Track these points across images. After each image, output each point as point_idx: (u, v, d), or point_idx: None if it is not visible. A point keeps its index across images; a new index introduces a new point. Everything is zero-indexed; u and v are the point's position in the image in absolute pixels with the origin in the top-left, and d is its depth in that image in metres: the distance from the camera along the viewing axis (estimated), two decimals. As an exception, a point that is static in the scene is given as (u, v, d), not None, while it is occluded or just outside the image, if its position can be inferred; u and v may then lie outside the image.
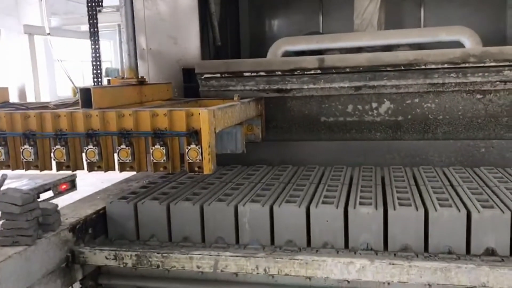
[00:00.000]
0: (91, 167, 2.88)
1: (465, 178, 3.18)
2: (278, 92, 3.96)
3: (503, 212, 2.50)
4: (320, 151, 3.99)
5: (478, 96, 3.73)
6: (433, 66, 3.65)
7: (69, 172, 2.91)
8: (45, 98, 16.40)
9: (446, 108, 3.80)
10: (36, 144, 2.89)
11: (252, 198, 2.87)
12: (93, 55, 3.79)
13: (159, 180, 3.47)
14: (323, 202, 2.75)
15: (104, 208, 2.97)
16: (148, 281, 2.82)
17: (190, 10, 4.18)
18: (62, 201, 3.22)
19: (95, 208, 2.98)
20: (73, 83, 4.01)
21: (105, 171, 2.87)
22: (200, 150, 2.60)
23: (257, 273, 2.52)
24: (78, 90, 2.96)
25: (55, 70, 18.31)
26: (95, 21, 3.87)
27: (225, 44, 5.09)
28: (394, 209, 2.60)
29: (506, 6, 5.37)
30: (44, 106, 3.32)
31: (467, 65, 3.60)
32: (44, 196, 4.01)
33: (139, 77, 3.50)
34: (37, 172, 2.95)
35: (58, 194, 3.61)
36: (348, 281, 2.51)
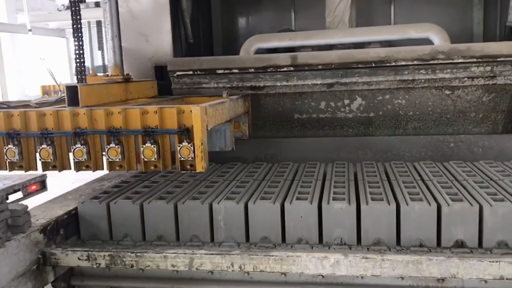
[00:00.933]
0: (79, 167, 2.81)
1: (435, 173, 3.25)
2: (251, 89, 3.97)
3: (471, 205, 2.56)
4: (293, 147, 4.02)
5: (447, 92, 3.81)
6: (403, 63, 3.72)
7: (38, 172, 2.85)
8: (13, 97, 15.98)
9: (416, 104, 3.88)
10: (21, 144, 2.80)
11: (227, 196, 2.87)
12: (77, 52, 3.68)
13: (132, 179, 3.44)
14: (298, 198, 2.77)
15: (75, 208, 2.92)
16: (122, 281, 2.78)
17: (162, 7, 4.15)
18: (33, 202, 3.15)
19: (67, 209, 2.93)
20: (55, 81, 3.91)
21: (93, 171, 2.81)
22: (192, 147, 2.56)
23: (233, 271, 2.53)
24: (64, 88, 2.88)
25: (23, 68, 17.86)
26: (78, 17, 3.76)
27: (197, 42, 5.06)
28: (367, 204, 2.64)
29: (472, 4, 5.50)
30: (26, 104, 3.23)
31: (436, 61, 3.68)
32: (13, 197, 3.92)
33: (125, 74, 3.43)
34: (6, 173, 2.87)
35: (27, 195, 3.53)
36: (323, 276, 2.54)
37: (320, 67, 3.85)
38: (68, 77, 17.45)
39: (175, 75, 4.04)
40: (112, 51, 3.33)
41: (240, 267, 2.51)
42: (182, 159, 2.61)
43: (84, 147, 2.72)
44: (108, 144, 2.70)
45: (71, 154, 2.78)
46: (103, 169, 2.81)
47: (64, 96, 3.67)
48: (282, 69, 3.91)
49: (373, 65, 3.76)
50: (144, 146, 2.65)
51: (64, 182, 4.19)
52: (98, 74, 13.94)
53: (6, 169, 2.88)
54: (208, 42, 5.66)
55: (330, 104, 3.99)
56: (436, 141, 3.88)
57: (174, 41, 4.30)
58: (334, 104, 3.99)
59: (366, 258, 2.40)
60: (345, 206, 2.64)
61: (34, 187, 2.83)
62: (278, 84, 3.94)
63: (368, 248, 2.60)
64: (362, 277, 2.50)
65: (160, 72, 4.22)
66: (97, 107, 2.78)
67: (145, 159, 2.67)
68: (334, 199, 2.73)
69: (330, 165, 3.58)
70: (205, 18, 5.62)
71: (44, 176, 2.88)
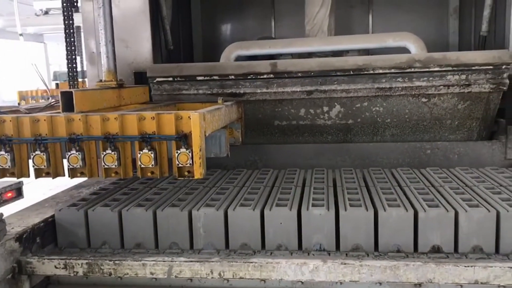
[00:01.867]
0: (74, 173, 2.76)
1: (412, 179, 3.30)
2: (232, 96, 3.98)
3: (447, 211, 2.61)
4: (274, 154, 4.04)
5: (424, 99, 3.88)
6: (380, 71, 3.78)
7: (13, 179, 2.80)
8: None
9: (393, 112, 3.94)
10: (13, 150, 2.72)
11: (207, 203, 2.86)
12: (69, 57, 3.63)
13: (110, 186, 3.41)
14: (277, 205, 2.78)
15: (53, 216, 2.89)
16: (100, 289, 2.75)
17: (142, 13, 4.14)
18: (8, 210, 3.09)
19: (43, 216, 2.89)
20: (46, 86, 3.84)
21: (88, 177, 2.76)
22: (190, 154, 2.53)
23: (212, 278, 2.52)
24: (59, 93, 2.81)
25: (-2, 73, 17.56)
26: (70, 21, 3.72)
27: (177, 48, 5.06)
28: (345, 210, 2.67)
29: (448, 14, 5.62)
30: (15, 110, 3.17)
31: (412, 70, 3.75)
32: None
33: (118, 79, 3.39)
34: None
35: (3, 202, 3.47)
36: (302, 282, 2.55)
37: (299, 74, 3.89)
38: (47, 82, 17.18)
39: (154, 81, 4.02)
40: (106, 56, 3.27)
41: (219, 274, 2.50)
42: (180, 165, 2.58)
43: (79, 154, 2.66)
44: (104, 150, 2.65)
45: (65, 161, 2.72)
46: (97, 176, 2.76)
47: (53, 101, 3.63)
48: (262, 76, 3.93)
49: (352, 73, 3.82)
50: (141, 152, 2.61)
51: (41, 189, 4.13)
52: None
53: None
54: (188, 49, 5.66)
55: (309, 111, 4.03)
56: (413, 148, 3.95)
57: (154, 47, 4.29)
58: (313, 111, 4.02)
59: (345, 264, 2.43)
60: (324, 212, 2.67)
61: (9, 194, 2.78)
62: (258, 91, 3.96)
63: (346, 254, 2.62)
64: (341, 283, 2.52)
65: (140, 78, 4.20)
66: (93, 113, 2.73)
67: (142, 166, 2.63)
68: (313, 205, 2.75)
69: (310, 172, 3.61)
70: (186, 25, 5.63)
71: (20, 183, 2.84)
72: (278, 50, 4.61)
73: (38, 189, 5.68)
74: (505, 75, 3.72)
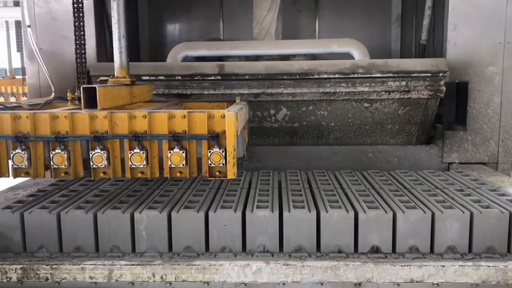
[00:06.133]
0: (97, 173, 2.62)
1: (354, 181, 3.39)
2: (178, 97, 3.94)
3: (386, 212, 2.70)
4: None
5: (366, 104, 4.01)
6: (325, 76, 3.87)
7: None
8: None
9: (337, 116, 4.04)
10: (29, 148, 2.55)
11: (150, 205, 2.82)
12: (78, 51, 3.43)
13: (49, 188, 3.28)
14: (222, 207, 2.78)
15: (-15, 219, 2.74)
16: (36, 295, 2.64)
17: (85, 11, 4.02)
18: None
19: (-25, 220, 2.74)
20: (50, 79, 3.66)
21: (112, 177, 2.62)
22: (224, 153, 2.47)
23: (154, 281, 2.48)
24: (80, 89, 2.66)
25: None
26: (80, 14, 3.52)
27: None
28: (289, 211, 2.70)
29: (391, 22, 5.84)
30: (19, 106, 3.00)
31: (355, 75, 3.87)
32: None
33: (131, 76, 3.24)
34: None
35: None
36: (245, 284, 2.55)
37: (247, 77, 3.91)
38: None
39: (98, 80, 3.90)
40: (119, 52, 3.10)
41: (161, 277, 2.47)
42: (212, 165, 2.52)
43: (104, 152, 2.53)
44: (132, 149, 2.54)
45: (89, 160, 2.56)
46: (122, 176, 2.63)
47: (51, 98, 3.54)
48: (209, 78, 3.93)
49: (297, 77, 3.88)
50: (172, 151, 2.51)
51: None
52: (16, 76, 13.22)
53: (9, 176, 2.63)
54: (134, 48, 5.55)
55: (257, 113, 4.06)
56: (356, 151, 4.06)
57: (98, 45, 4.19)
58: (260, 113, 4.06)
59: (287, 265, 2.46)
60: (268, 214, 2.69)
61: None
62: (206, 92, 3.95)
63: (289, 255, 2.65)
64: (283, 284, 2.54)
65: (83, 77, 4.08)
66: (118, 110, 2.60)
67: (172, 165, 2.53)
68: (258, 207, 2.76)
69: (256, 174, 3.63)
70: (132, 23, 5.52)
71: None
72: (226, 52, 4.62)
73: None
74: (442, 83, 3.91)
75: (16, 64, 13.86)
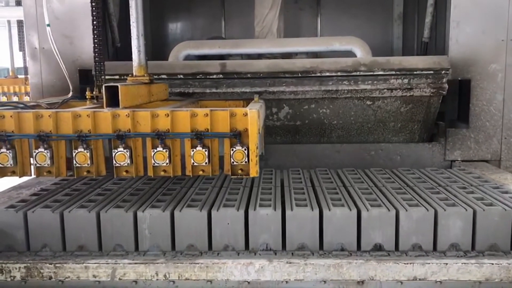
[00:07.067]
0: (119, 172, 2.62)
1: (356, 179, 3.39)
2: (180, 95, 3.94)
3: (389, 210, 2.70)
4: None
5: (368, 102, 4.00)
6: (327, 74, 3.86)
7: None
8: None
9: (339, 114, 4.04)
10: (51, 148, 2.56)
11: (152, 204, 2.82)
12: (96, 49, 3.43)
13: (52, 187, 3.29)
14: (225, 205, 2.78)
15: (-11, 218, 2.75)
16: (40, 294, 2.65)
17: (87, 9, 4.02)
18: None
19: (-22, 219, 2.74)
20: (68, 78, 3.67)
21: (134, 176, 2.63)
22: (246, 151, 2.47)
23: (157, 280, 2.49)
24: (103, 88, 2.66)
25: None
26: (97, 12, 3.52)
27: (125, 46, 4.94)
28: (292, 209, 2.70)
29: (393, 19, 5.83)
30: (37, 105, 3.00)
31: (358, 73, 3.86)
32: None
33: (149, 74, 3.24)
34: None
35: None
36: (249, 282, 2.55)
37: (249, 75, 3.91)
38: None
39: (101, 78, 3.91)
40: (138, 50, 3.09)
41: (165, 276, 2.47)
42: (234, 163, 2.51)
43: (127, 151, 2.53)
44: (154, 148, 2.54)
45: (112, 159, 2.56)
46: (144, 174, 2.64)
47: (68, 97, 3.57)
48: (211, 76, 3.92)
49: (299, 75, 3.88)
50: (194, 150, 2.51)
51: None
52: (19, 76, 13.24)
53: (31, 175, 2.64)
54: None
55: (258, 112, 4.05)
56: (358, 149, 4.06)
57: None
58: (262, 112, 4.05)
59: (290, 263, 2.46)
60: (270, 212, 2.69)
61: None
62: (208, 91, 3.95)
63: (292, 253, 2.65)
64: (286, 282, 2.54)
65: (85, 76, 4.09)
66: (141, 109, 2.60)
67: (195, 164, 2.53)
68: (260, 205, 2.76)
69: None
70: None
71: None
72: (227, 51, 4.62)
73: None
74: (444, 80, 3.90)
75: (19, 63, 13.88)
